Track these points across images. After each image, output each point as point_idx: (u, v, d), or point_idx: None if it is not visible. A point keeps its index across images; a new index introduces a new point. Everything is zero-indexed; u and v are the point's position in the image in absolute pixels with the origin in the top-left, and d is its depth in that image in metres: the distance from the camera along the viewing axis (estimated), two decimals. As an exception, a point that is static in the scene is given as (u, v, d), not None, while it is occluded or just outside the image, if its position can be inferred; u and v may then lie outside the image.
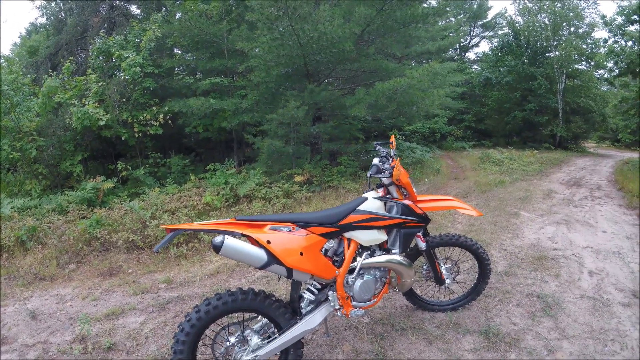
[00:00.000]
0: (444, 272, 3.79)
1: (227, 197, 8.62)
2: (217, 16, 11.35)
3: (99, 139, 10.89)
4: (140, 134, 10.56)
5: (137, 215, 7.22)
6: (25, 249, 6.32)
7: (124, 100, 10.53)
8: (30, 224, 6.75)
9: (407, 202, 3.24)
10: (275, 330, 2.84)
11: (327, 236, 2.92)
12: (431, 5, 12.13)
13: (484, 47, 57.09)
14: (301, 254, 2.70)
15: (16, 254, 6.20)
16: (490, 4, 37.17)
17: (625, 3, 16.53)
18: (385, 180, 3.21)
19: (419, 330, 3.66)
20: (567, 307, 4.11)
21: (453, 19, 28.10)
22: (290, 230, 2.79)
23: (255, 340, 2.77)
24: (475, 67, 33.21)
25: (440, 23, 20.46)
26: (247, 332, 2.82)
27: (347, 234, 3.01)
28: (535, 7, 27.21)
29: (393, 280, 3.37)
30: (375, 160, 3.33)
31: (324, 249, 2.95)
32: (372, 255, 3.16)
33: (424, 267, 3.80)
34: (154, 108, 10.88)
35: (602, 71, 26.29)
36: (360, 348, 3.42)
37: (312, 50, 8.76)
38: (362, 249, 3.15)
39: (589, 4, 26.78)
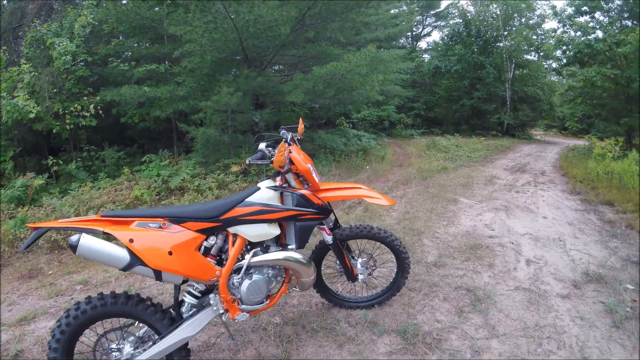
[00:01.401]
0: (358, 266, 3.51)
1: (158, 190, 8.25)
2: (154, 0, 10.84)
3: (33, 132, 10.26)
4: (72, 126, 10.00)
5: (61, 213, 6.91)
6: None
7: (55, 90, 9.94)
8: None
9: (304, 191, 2.96)
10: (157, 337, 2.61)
11: (206, 232, 2.64)
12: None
13: (436, 36, 57.82)
14: (170, 253, 2.44)
15: None
16: (443, -6, 37.53)
17: None
18: (284, 166, 2.94)
19: (331, 331, 3.39)
20: (499, 300, 3.84)
21: (405, 8, 28.24)
22: (160, 227, 2.51)
23: (127, 348, 2.54)
24: (426, 55, 33.59)
25: (392, 11, 20.51)
26: (130, 338, 2.59)
27: (231, 229, 2.73)
28: (488, -2, 27.71)
29: (293, 278, 3.09)
30: (262, 146, 3.05)
31: (203, 247, 2.67)
32: (265, 251, 2.88)
33: (337, 261, 3.54)
34: (85, 98, 10.31)
35: (550, 61, 27.11)
36: (264, 352, 3.16)
37: (248, 34, 8.42)
38: (252, 245, 2.87)
39: None
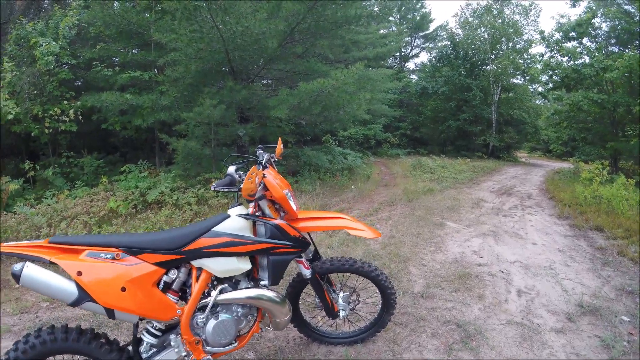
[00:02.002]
0: (339, 301, 3.21)
1: (135, 202, 7.97)
2: (143, 5, 10.62)
3: (11, 134, 9.97)
4: (51, 130, 9.71)
5: (32, 223, 6.61)
6: None
7: (35, 92, 9.63)
8: None
9: (278, 221, 2.66)
10: None
11: (166, 265, 2.38)
12: (371, 10, 11.92)
13: (424, 57, 58.50)
14: (123, 289, 2.19)
15: None
16: (433, 16, 38.05)
17: (564, 20, 17.19)
18: (256, 193, 2.61)
19: (307, 371, 3.08)
20: (491, 336, 3.59)
21: (394, 28, 28.47)
22: (113, 258, 2.25)
23: None
24: (413, 76, 33.87)
25: (381, 31, 20.61)
26: None
27: (195, 263, 2.46)
28: (476, 22, 28.18)
29: (266, 316, 2.79)
30: (231, 169, 2.82)
31: (163, 282, 2.41)
32: (234, 287, 2.62)
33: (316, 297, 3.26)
34: (65, 102, 10.01)
35: (536, 85, 27.44)
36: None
37: (235, 46, 8.23)
38: (219, 280, 2.60)
39: (529, 21, 28.06)
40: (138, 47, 11.62)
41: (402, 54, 33.63)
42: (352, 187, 11.51)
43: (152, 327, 2.47)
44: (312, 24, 8.73)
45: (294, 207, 2.77)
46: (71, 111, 9.69)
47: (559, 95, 18.70)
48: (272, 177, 2.71)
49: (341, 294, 3.24)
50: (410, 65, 36.03)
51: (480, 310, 4.11)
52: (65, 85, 10.29)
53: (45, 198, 8.18)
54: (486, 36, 27.30)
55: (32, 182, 9.81)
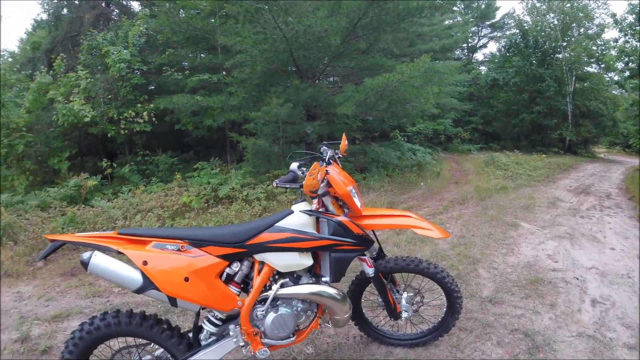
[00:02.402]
0: (402, 302, 3.08)
1: (207, 197, 8.31)
2: (207, 10, 11.03)
3: (90, 136, 10.71)
4: (126, 131, 10.34)
5: (108, 215, 7.07)
6: None
7: (110, 97, 10.31)
8: (7, 220, 6.59)
9: (341, 218, 2.62)
10: None
11: (229, 258, 2.44)
12: (433, 1, 11.70)
13: (492, 47, 56.39)
14: (187, 279, 2.28)
15: None
16: (498, 4, 36.20)
17: (636, 1, 15.81)
18: (319, 189, 2.56)
19: (365, 372, 3.03)
20: (560, 349, 3.32)
21: (459, 18, 27.62)
22: (178, 250, 2.35)
23: None
24: (483, 67, 32.55)
25: (446, 22, 20.10)
26: (146, 357, 2.49)
27: (258, 257, 2.50)
28: (544, 7, 26.51)
29: (326, 312, 2.77)
30: (293, 165, 2.77)
31: (225, 274, 2.48)
32: (296, 282, 2.62)
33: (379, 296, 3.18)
34: (138, 105, 10.66)
35: (612, 74, 25.69)
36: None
37: (298, 45, 8.34)
38: (280, 274, 2.61)
39: (599, 4, 25.97)
40: (206, 51, 12.10)
41: (470, 44, 32.43)
42: (422, 184, 11.27)
43: (213, 316, 2.56)
44: (374, 18, 8.69)
45: (358, 204, 2.71)
46: (145, 113, 10.32)
47: (637, 84, 17.29)
48: (336, 173, 2.67)
49: (405, 295, 3.13)
50: (479, 56, 34.74)
51: (551, 319, 3.85)
52: (138, 90, 10.99)
53: (122, 193, 8.73)
54: (556, 22, 25.64)
55: (110, 178, 10.52)
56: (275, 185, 2.55)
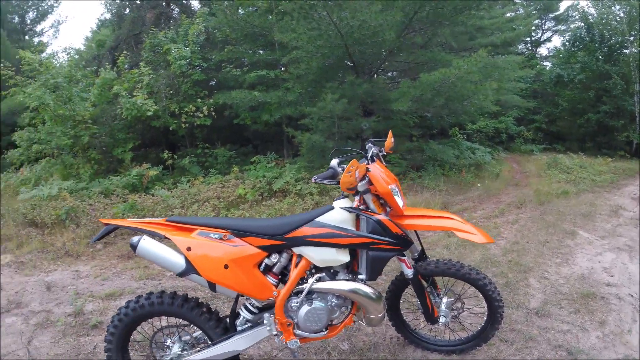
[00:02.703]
0: (441, 307, 3.02)
1: (262, 190, 8.55)
2: (265, 7, 11.27)
3: (153, 128, 11.24)
4: (187, 125, 10.77)
5: (167, 204, 7.50)
6: (63, 227, 6.79)
7: (171, 92, 10.77)
8: (70, 205, 7.21)
9: (381, 217, 2.60)
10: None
11: (268, 249, 2.52)
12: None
13: (557, 42, 53.88)
14: (226, 266, 2.39)
15: (54, 230, 6.73)
16: (562, -6, 34.03)
17: None
18: (360, 187, 2.60)
19: (398, 374, 2.98)
20: None
21: (521, 10, 26.57)
22: (220, 238, 2.46)
23: (175, 348, 2.61)
24: (547, 63, 31.00)
25: (507, 14, 19.41)
26: (185, 337, 2.68)
27: (296, 250, 2.55)
28: (609, -2, 24.73)
29: (360, 310, 2.77)
30: (333, 162, 2.80)
31: (264, 264, 2.56)
32: (332, 277, 2.65)
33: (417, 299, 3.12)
34: (199, 100, 11.07)
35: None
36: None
37: (353, 40, 8.34)
38: (317, 269, 2.64)
39: None
40: (264, 48, 12.33)
41: (533, 38, 30.97)
42: (479, 185, 10.97)
43: (250, 304, 2.65)
44: (431, 12, 8.56)
45: (400, 204, 2.69)
46: (204, 108, 10.70)
47: None
48: (379, 171, 2.66)
49: (445, 300, 3.06)
50: (543, 50, 33.03)
51: (598, 338, 3.61)
52: (198, 85, 11.43)
53: (181, 183, 9.18)
54: (622, 14, 23.80)
55: (171, 169, 11.05)
56: (313, 181, 2.58)
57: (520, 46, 29.18)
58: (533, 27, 28.19)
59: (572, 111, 24.86)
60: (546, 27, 31.42)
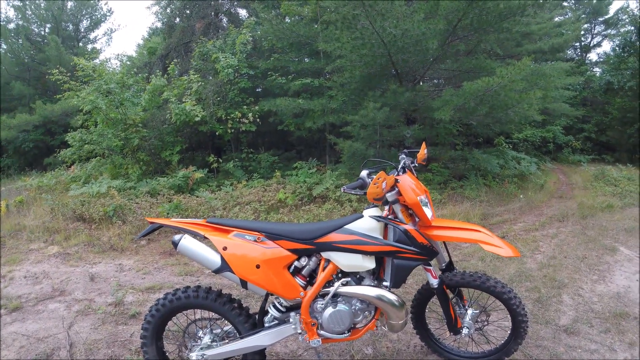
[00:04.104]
0: (466, 319, 3.06)
1: (302, 195, 8.74)
2: (310, 17, 11.52)
3: (200, 133, 11.74)
4: (233, 130, 11.17)
5: (210, 205, 7.84)
6: (110, 223, 7.24)
7: (219, 99, 11.18)
8: (118, 202, 7.66)
9: (408, 227, 2.69)
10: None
11: (298, 253, 2.68)
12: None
13: (607, 47, 51.57)
14: (258, 266, 2.57)
15: (101, 226, 7.23)
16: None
17: None
18: (389, 197, 2.70)
19: (418, 383, 3.01)
20: None
21: (570, 14, 25.73)
22: (255, 240, 2.65)
23: (206, 339, 2.81)
24: (597, 69, 29.67)
25: (555, 19, 18.86)
26: (216, 330, 2.88)
27: (325, 254, 2.69)
28: (659, 1, 23.64)
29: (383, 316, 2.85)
30: (363, 173, 2.86)
31: (293, 266, 2.72)
32: (358, 282, 2.76)
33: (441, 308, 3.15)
34: (245, 107, 11.43)
35: None
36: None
37: (397, 49, 8.38)
38: (344, 274, 2.76)
39: None
40: (309, 56, 12.66)
41: (582, 43, 29.61)
42: (521, 196, 10.68)
43: (278, 303, 2.82)
44: (474, 19, 8.49)
45: (429, 214, 2.74)
46: (250, 115, 11.03)
47: None
48: (408, 182, 2.73)
49: (469, 311, 3.09)
50: (593, 56, 31.75)
51: None
52: (245, 92, 11.80)
53: (225, 186, 9.53)
54: None
55: (216, 172, 11.50)
56: (342, 191, 2.72)
57: (570, 52, 27.97)
58: (582, 32, 27.02)
59: (622, 120, 23.65)
60: (596, 31, 29.97)
